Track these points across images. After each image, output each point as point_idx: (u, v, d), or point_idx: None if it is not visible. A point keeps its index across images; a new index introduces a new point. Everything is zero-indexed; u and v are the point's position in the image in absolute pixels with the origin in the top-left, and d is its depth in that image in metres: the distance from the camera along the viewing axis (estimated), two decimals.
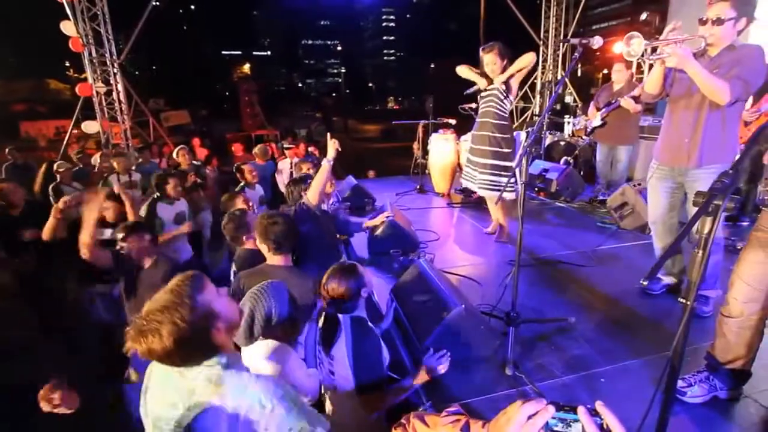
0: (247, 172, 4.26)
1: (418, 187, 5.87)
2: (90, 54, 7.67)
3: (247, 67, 58.68)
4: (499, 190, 3.42)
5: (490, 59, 3.33)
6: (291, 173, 6.29)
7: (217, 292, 1.14)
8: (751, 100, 3.34)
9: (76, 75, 7.99)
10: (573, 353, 2.23)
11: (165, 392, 1.08)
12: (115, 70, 8.05)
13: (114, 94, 8.13)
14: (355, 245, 3.75)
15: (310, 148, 7.21)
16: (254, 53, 73.75)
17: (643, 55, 2.10)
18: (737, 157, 2.09)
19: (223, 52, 68.47)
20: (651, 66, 2.42)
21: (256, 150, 6.11)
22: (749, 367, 1.79)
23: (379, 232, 3.45)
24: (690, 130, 2.30)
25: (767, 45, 3.28)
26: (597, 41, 2.05)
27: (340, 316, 1.72)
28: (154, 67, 49.31)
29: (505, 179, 3.44)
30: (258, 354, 1.47)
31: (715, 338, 1.84)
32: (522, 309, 2.41)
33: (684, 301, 0.98)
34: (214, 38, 64.15)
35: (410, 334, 2.23)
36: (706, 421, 1.77)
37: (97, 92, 7.90)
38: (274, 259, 2.19)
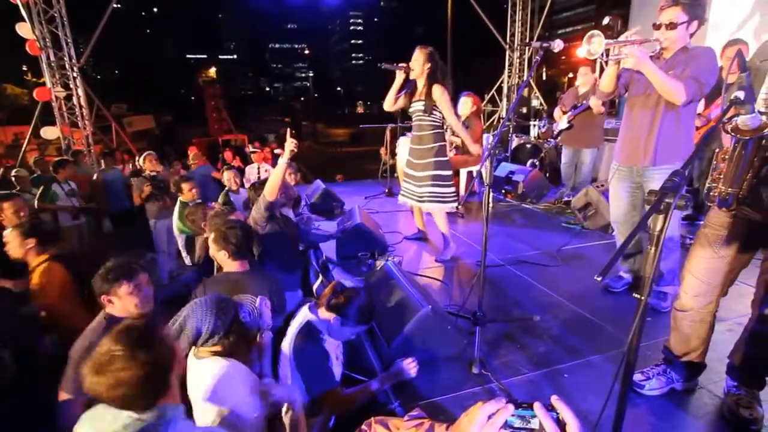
0: (187, 190, 3.84)
1: (386, 190, 5.86)
2: (48, 57, 7.30)
3: (213, 71, 57.34)
4: (443, 201, 3.30)
5: (416, 55, 3.11)
6: (258, 177, 6.15)
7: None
8: (702, 104, 3.52)
9: (34, 79, 7.55)
10: (538, 350, 2.26)
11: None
12: (75, 74, 7.68)
13: (74, 98, 7.74)
14: (324, 248, 3.69)
15: (277, 151, 7.09)
16: (220, 57, 72.23)
17: (604, 55, 2.16)
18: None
19: (188, 56, 66.69)
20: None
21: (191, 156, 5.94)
22: (703, 359, 1.85)
23: (346, 235, 3.41)
24: (646, 129, 2.37)
25: (720, 47, 3.48)
26: (558, 45, 2.10)
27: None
28: (116, 72, 47.42)
29: (447, 189, 3.30)
30: (205, 373, 1.37)
31: (670, 332, 1.90)
32: (488, 309, 2.42)
33: (638, 296, 0.99)
34: (179, 42, 62.44)
35: (378, 336, 2.19)
36: (664, 412, 1.82)
37: (57, 97, 7.53)
38: (232, 266, 2.10)
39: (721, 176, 1.45)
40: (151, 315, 1.17)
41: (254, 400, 1.33)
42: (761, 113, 1.26)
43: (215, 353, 1.37)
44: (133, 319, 1.22)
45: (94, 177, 5.46)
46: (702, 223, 1.76)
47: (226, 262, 2.11)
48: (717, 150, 1.49)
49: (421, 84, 3.14)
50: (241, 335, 1.41)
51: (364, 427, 1.10)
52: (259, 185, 2.94)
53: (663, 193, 0.96)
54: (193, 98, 40.34)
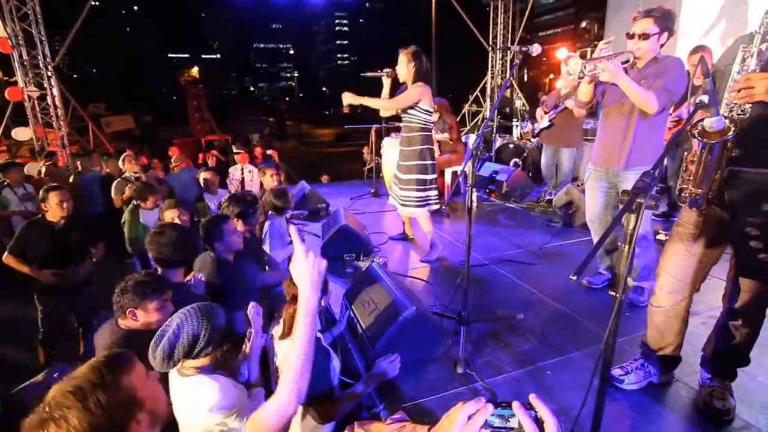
0: (152, 202, 3.67)
1: (372, 191, 5.87)
2: (20, 56, 7.04)
3: (195, 71, 56.36)
4: (426, 204, 3.29)
5: (400, 59, 3.13)
6: (242, 179, 6.08)
7: (146, 375, 0.97)
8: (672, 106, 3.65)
9: (5, 78, 7.25)
10: (521, 348, 2.30)
11: None
12: (50, 73, 7.42)
13: (48, 98, 7.49)
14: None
15: (269, 151, 7.02)
16: (203, 56, 70.99)
17: (583, 71, 2.23)
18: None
19: (170, 55, 65.37)
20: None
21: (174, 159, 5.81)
22: (678, 352, 1.91)
23: (332, 236, 3.40)
24: (621, 135, 2.48)
25: (687, 53, 3.60)
26: (536, 49, 2.18)
27: None
28: (94, 71, 46.18)
29: (430, 193, 3.29)
30: (194, 394, 1.30)
31: (647, 327, 1.96)
32: (473, 308, 2.45)
33: (614, 293, 1.02)
34: (160, 40, 61.10)
35: (363, 338, 2.19)
36: (642, 406, 1.87)
37: (29, 97, 7.27)
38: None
39: (691, 178, 1.51)
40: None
41: (244, 411, 1.30)
42: (725, 117, 1.32)
43: (199, 369, 1.31)
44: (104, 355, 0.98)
45: (71, 179, 5.30)
46: (675, 221, 1.82)
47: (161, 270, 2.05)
48: (685, 153, 1.54)
49: (409, 85, 3.15)
50: (235, 343, 1.38)
51: (346, 431, 1.10)
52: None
53: (635, 193, 1.00)
54: (174, 98, 39.59)
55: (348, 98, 3.19)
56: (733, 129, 1.32)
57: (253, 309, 1.62)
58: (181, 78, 47.45)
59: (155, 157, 6.64)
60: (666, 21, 2.27)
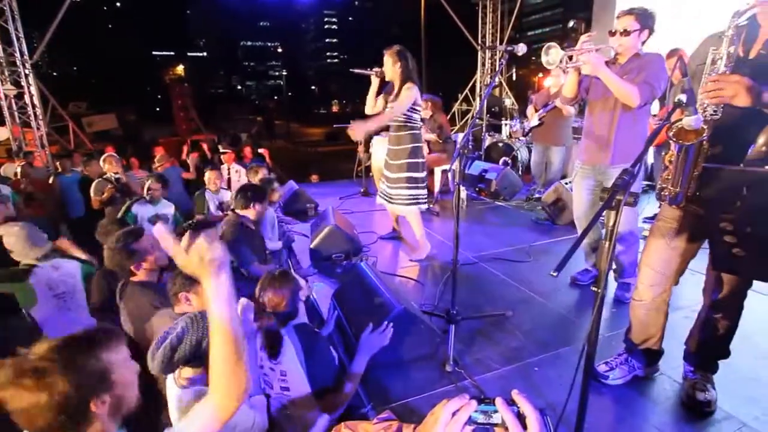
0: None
1: (362, 190, 5.86)
2: None
3: (180, 69, 55.48)
4: (416, 203, 3.29)
5: (385, 59, 3.11)
6: (228, 179, 6.01)
7: (126, 360, 0.95)
8: (657, 106, 3.71)
9: None
10: (510, 346, 2.32)
11: None
12: (27, 71, 7.23)
13: (26, 97, 7.30)
14: (297, 251, 3.65)
15: (261, 150, 6.91)
16: (189, 54, 69.90)
17: (565, 63, 2.25)
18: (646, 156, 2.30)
19: (154, 53, 64.21)
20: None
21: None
22: (660, 345, 1.96)
23: (321, 237, 3.38)
24: (606, 130, 2.52)
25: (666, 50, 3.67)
26: (521, 48, 2.20)
27: (282, 329, 1.63)
28: (75, 69, 45.12)
29: (420, 191, 3.29)
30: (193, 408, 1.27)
31: (630, 322, 2.00)
32: (462, 306, 2.47)
33: (596, 289, 1.03)
34: (144, 38, 59.91)
35: (351, 339, 2.19)
36: (627, 399, 1.91)
37: (6, 95, 7.08)
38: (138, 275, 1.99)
39: (670, 177, 1.54)
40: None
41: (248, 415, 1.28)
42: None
43: (191, 380, 1.28)
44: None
45: (50, 181, 5.17)
46: (656, 216, 1.86)
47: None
48: (663, 153, 1.57)
49: (397, 84, 3.15)
50: None
51: None
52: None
53: (614, 190, 1.02)
54: (159, 97, 38.93)
55: (358, 130, 2.86)
56: (706, 129, 1.35)
57: (243, 306, 1.59)
58: (167, 76, 46.63)
59: (134, 157, 6.47)
60: (647, 19, 2.33)
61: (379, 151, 5.48)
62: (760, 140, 1.31)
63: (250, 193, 2.83)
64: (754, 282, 1.71)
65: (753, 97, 1.30)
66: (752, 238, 1.07)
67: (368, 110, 3.33)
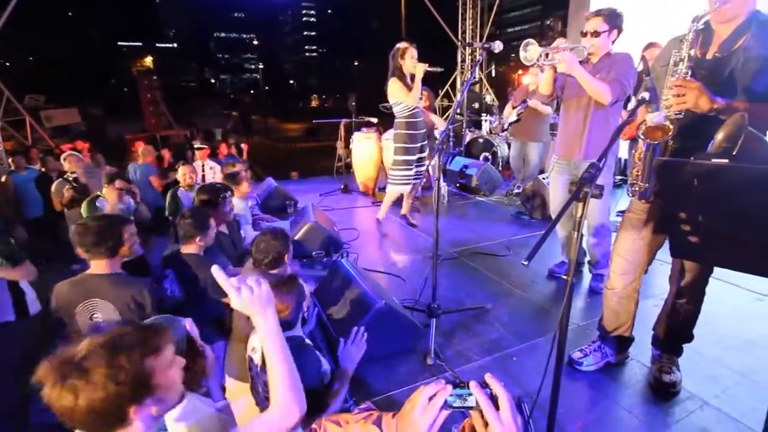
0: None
1: (342, 186, 5.83)
2: None
3: (149, 60, 53.33)
4: (396, 184, 3.93)
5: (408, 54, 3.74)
6: (203, 177, 5.86)
7: (170, 361, 0.92)
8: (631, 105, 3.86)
9: None
10: (489, 337, 2.39)
11: None
12: None
13: None
14: None
15: (242, 145, 6.76)
16: (158, 45, 67.23)
17: (538, 60, 2.31)
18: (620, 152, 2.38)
19: (120, 43, 61.48)
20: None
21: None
22: (631, 333, 2.06)
23: (301, 234, 3.36)
24: (580, 127, 2.62)
25: (636, 50, 3.82)
26: (497, 46, 2.27)
27: None
28: (31, 59, 42.59)
29: (402, 173, 3.90)
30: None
31: (602, 310, 2.10)
32: (443, 300, 2.52)
33: (565, 277, 1.08)
34: (108, 27, 57.22)
35: (332, 336, 2.20)
36: (600, 384, 2.01)
37: None
38: (96, 266, 1.87)
39: (639, 173, 1.63)
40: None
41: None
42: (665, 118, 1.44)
43: None
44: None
45: (3, 179, 4.86)
46: (627, 208, 1.96)
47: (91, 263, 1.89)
48: (634, 150, 1.66)
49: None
50: (200, 356, 1.33)
51: (314, 426, 1.11)
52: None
53: (581, 183, 1.07)
54: (125, 90, 37.33)
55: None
56: (672, 129, 1.44)
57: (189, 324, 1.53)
58: (134, 68, 44.73)
59: (98, 153, 6.16)
60: (615, 19, 2.42)
61: (359, 147, 5.47)
62: (719, 136, 1.40)
63: (190, 221, 2.26)
64: (715, 269, 1.83)
65: (709, 103, 1.42)
66: (704, 226, 1.16)
67: (414, 101, 3.79)
